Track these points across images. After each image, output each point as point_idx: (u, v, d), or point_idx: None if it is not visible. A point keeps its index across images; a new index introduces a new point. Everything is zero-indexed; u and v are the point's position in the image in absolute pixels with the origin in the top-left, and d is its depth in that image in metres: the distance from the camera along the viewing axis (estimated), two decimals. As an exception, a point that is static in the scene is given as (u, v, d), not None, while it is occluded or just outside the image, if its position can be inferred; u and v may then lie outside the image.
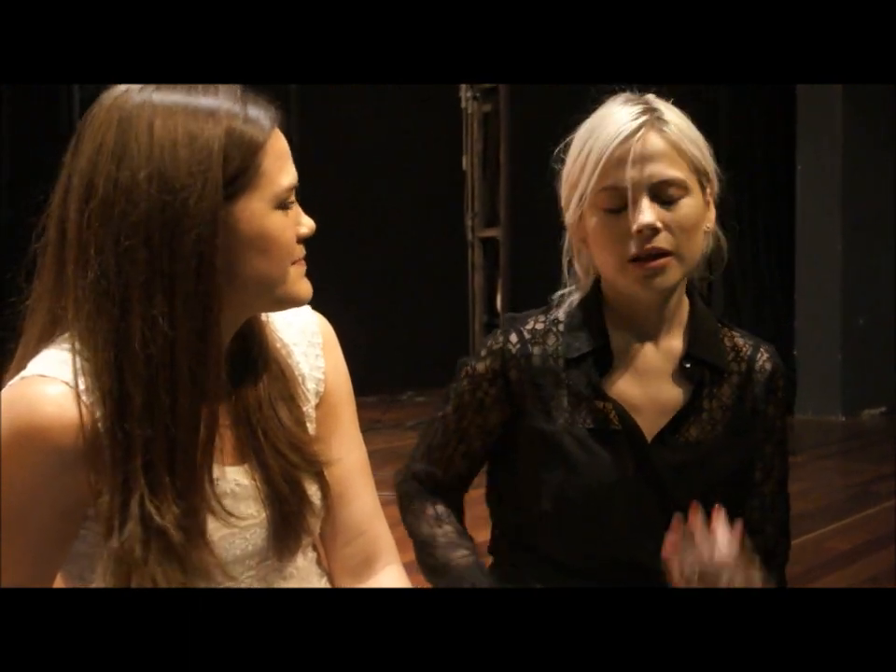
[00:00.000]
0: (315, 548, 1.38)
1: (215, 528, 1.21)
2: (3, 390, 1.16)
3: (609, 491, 1.52)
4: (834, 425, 6.52)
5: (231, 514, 1.21)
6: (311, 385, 1.34)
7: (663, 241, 1.46)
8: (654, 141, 1.47)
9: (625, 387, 1.54)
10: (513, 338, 1.57)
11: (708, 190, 1.52)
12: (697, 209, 1.49)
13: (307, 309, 1.38)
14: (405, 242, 7.09)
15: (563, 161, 1.55)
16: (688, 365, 1.54)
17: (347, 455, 1.38)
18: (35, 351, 1.20)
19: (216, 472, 1.21)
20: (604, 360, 1.54)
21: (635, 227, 1.45)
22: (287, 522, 1.26)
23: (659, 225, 1.45)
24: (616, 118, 1.48)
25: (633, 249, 1.46)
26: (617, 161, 1.46)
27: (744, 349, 1.59)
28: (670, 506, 1.48)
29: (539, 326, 1.58)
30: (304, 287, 1.25)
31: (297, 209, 1.23)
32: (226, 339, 1.22)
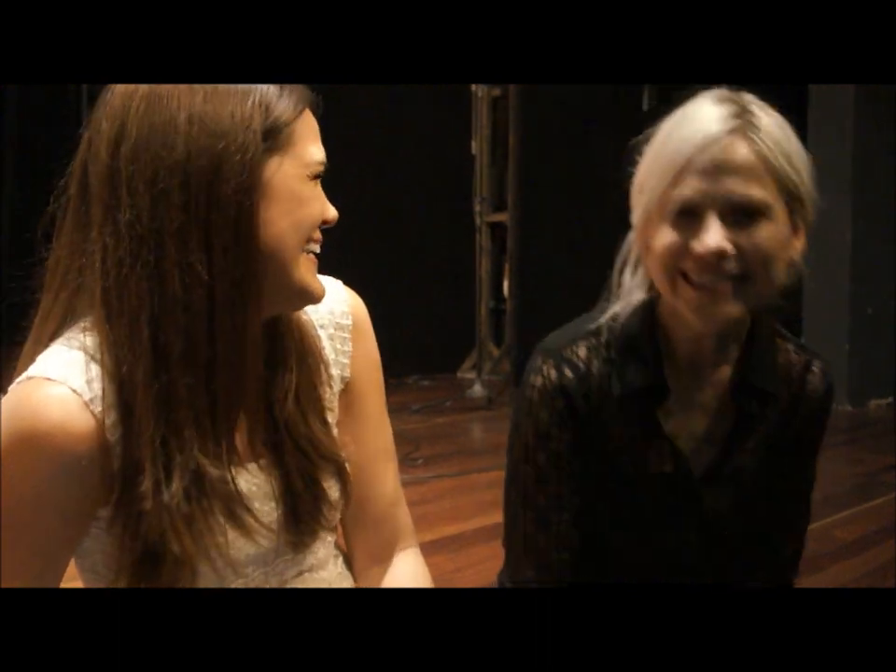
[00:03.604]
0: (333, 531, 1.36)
1: (228, 525, 1.18)
2: (9, 392, 1.12)
3: (654, 529, 1.44)
4: (841, 414, 6.50)
5: (245, 513, 1.17)
6: (335, 371, 1.31)
7: (729, 266, 1.28)
8: (740, 151, 1.28)
9: (677, 422, 1.41)
10: (568, 372, 1.40)
11: (798, 216, 1.35)
12: (779, 235, 1.31)
13: (339, 287, 1.34)
14: (413, 225, 7.07)
15: (635, 160, 1.40)
16: (741, 396, 1.41)
17: (371, 441, 1.35)
18: (50, 333, 1.16)
19: (231, 471, 1.17)
20: (658, 396, 1.39)
21: (697, 247, 1.28)
22: (302, 518, 1.24)
23: (729, 249, 1.28)
24: (701, 117, 1.30)
25: (692, 270, 1.29)
26: (693, 168, 1.28)
27: (796, 367, 1.46)
28: (713, 533, 1.44)
29: (583, 352, 1.41)
30: (317, 284, 1.20)
31: (322, 193, 1.20)
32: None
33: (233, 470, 1.17)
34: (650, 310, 1.41)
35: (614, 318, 1.42)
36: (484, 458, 4.68)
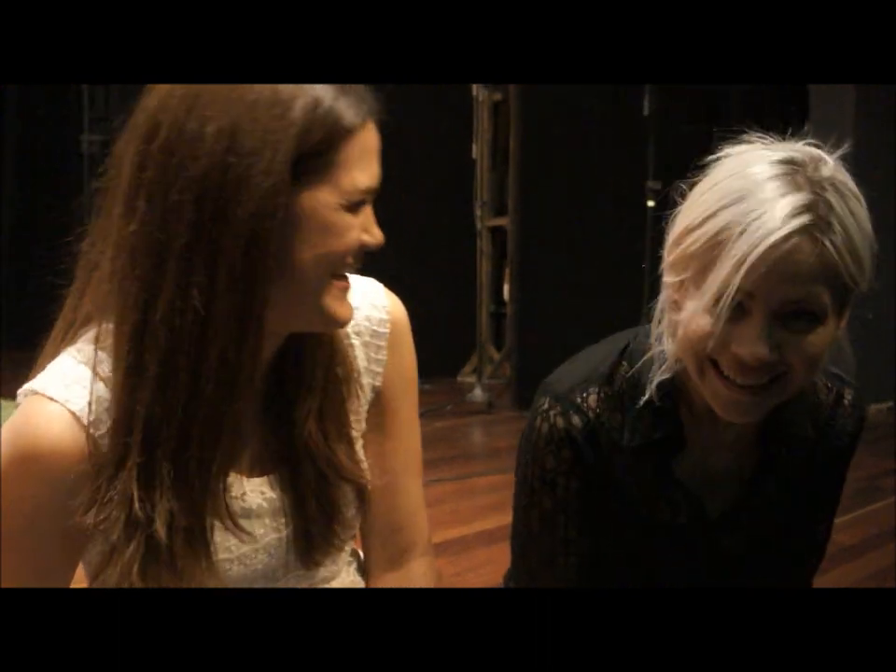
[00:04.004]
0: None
1: (235, 545, 1.16)
2: (17, 409, 1.10)
3: (666, 575, 1.39)
4: (840, 419, 6.51)
5: (244, 531, 1.14)
6: (366, 380, 1.26)
7: (771, 368, 1.18)
8: (806, 256, 1.15)
9: (692, 468, 1.33)
10: (576, 420, 1.31)
11: (849, 305, 1.26)
12: (828, 337, 1.21)
13: (379, 291, 1.27)
14: (413, 229, 7.07)
15: (678, 205, 1.25)
16: (768, 440, 1.33)
17: (399, 451, 1.31)
18: (69, 330, 1.14)
19: (238, 487, 1.14)
20: (674, 447, 1.31)
21: (742, 352, 1.16)
22: (313, 537, 1.20)
23: (771, 359, 1.16)
24: (770, 205, 1.15)
25: (727, 365, 1.18)
26: (752, 259, 1.13)
27: (825, 402, 1.37)
28: (725, 577, 1.40)
29: (593, 400, 1.32)
30: (343, 310, 1.12)
31: (369, 214, 1.12)
32: (266, 352, 1.10)
33: (236, 487, 1.14)
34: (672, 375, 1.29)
35: (630, 362, 1.32)
36: (485, 462, 4.68)
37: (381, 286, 1.31)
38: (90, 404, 1.08)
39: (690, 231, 1.19)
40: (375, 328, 1.26)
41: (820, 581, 3.37)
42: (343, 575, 1.33)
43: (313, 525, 1.19)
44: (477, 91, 6.69)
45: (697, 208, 1.20)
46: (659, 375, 1.28)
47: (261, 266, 1.03)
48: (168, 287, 1.03)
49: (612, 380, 1.31)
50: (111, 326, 1.09)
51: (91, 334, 1.13)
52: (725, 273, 1.13)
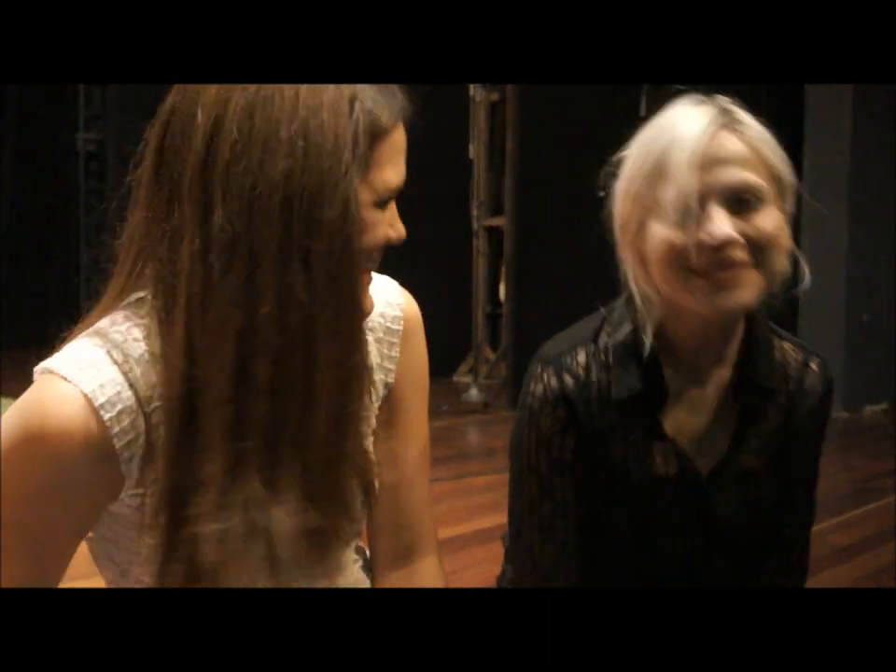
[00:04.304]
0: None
1: (246, 534, 1.16)
2: (33, 384, 1.11)
3: (662, 535, 1.43)
4: (836, 420, 6.53)
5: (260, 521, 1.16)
6: (378, 377, 1.26)
7: (738, 252, 1.29)
8: (731, 142, 1.32)
9: (678, 423, 1.40)
10: (568, 379, 1.40)
11: (786, 204, 1.37)
12: (777, 221, 1.33)
13: (394, 288, 1.29)
14: (409, 229, 7.07)
15: (615, 177, 1.39)
16: (739, 390, 1.41)
17: (409, 448, 1.31)
18: (112, 300, 1.14)
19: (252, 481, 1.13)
20: (658, 399, 1.39)
21: (703, 237, 1.29)
22: (319, 530, 1.20)
23: (735, 235, 1.29)
24: (685, 119, 1.34)
25: (701, 260, 1.29)
26: (687, 164, 1.29)
27: (793, 364, 1.46)
28: (719, 537, 1.44)
29: (582, 358, 1.41)
30: (368, 301, 1.14)
31: (394, 210, 1.15)
32: None
33: (272, 485, 1.14)
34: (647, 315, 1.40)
35: (611, 324, 1.42)
36: (481, 462, 4.69)
37: (395, 283, 1.32)
38: (101, 386, 1.09)
39: (632, 182, 1.34)
40: (389, 325, 1.27)
41: (819, 581, 3.39)
42: (348, 573, 1.32)
43: (320, 518, 1.19)
44: (474, 91, 6.71)
45: (631, 164, 1.35)
46: (633, 317, 1.40)
47: (353, 264, 1.06)
48: (269, 288, 1.03)
49: (597, 341, 1.40)
50: (177, 319, 1.07)
51: (120, 316, 1.13)
52: (677, 183, 1.29)
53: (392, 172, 1.11)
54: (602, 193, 1.40)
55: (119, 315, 1.13)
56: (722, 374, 1.41)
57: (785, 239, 1.34)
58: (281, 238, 1.03)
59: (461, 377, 7.31)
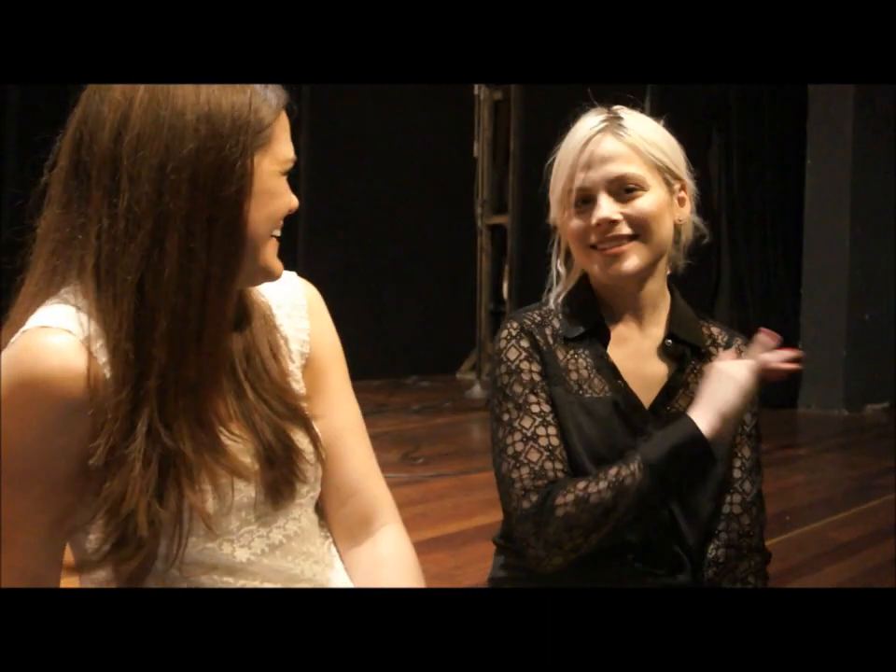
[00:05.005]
0: (318, 509, 1.40)
1: (212, 478, 1.23)
2: (8, 346, 1.18)
3: (615, 456, 1.59)
4: (837, 419, 6.54)
5: (232, 464, 1.24)
6: (295, 347, 1.38)
7: (621, 229, 1.62)
8: (610, 144, 1.64)
9: (623, 365, 1.67)
10: (527, 320, 1.69)
11: (677, 186, 1.67)
12: (657, 202, 1.64)
13: (292, 275, 1.42)
14: (414, 228, 7.10)
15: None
16: (669, 342, 1.68)
17: (337, 414, 1.40)
18: (37, 296, 1.22)
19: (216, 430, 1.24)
20: (601, 338, 1.68)
21: (593, 220, 1.63)
22: (278, 471, 1.28)
23: (616, 217, 1.62)
24: (580, 127, 1.66)
25: (593, 239, 1.64)
26: (580, 163, 1.64)
27: (720, 336, 1.75)
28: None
29: (537, 314, 1.71)
30: (278, 264, 1.30)
31: (287, 186, 1.29)
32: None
33: (218, 429, 1.25)
34: (584, 281, 1.72)
35: (557, 294, 1.74)
36: (483, 458, 4.66)
37: (294, 273, 1.45)
38: (81, 325, 1.18)
39: (554, 183, 1.69)
40: (294, 301, 1.40)
41: (816, 578, 3.42)
42: (319, 543, 1.37)
43: (275, 456, 1.29)
44: (478, 89, 6.72)
45: (555, 161, 1.69)
46: (565, 288, 1.73)
47: (243, 228, 1.22)
48: (173, 252, 1.18)
49: (547, 301, 1.73)
50: (92, 288, 1.20)
51: (65, 291, 1.22)
52: (564, 178, 1.65)
53: (287, 146, 1.27)
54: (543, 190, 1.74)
55: (63, 288, 1.22)
56: (656, 332, 1.70)
57: (668, 215, 1.66)
58: (187, 209, 1.18)
59: (464, 374, 7.33)
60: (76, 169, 1.22)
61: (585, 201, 1.64)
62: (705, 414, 1.55)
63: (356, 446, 1.42)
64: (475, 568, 3.09)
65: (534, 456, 1.60)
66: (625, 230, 1.62)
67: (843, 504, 4.37)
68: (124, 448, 1.17)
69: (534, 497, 1.57)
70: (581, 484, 1.56)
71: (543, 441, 1.61)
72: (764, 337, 1.58)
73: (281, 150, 1.25)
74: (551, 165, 1.70)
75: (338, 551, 1.42)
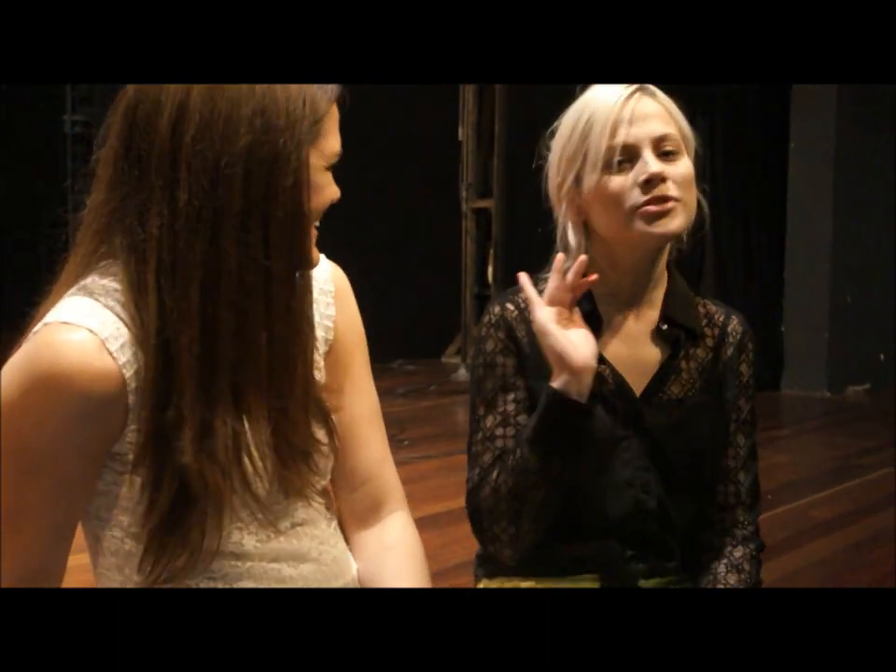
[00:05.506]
0: (325, 493, 1.40)
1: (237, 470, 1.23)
2: (28, 339, 1.17)
3: (606, 446, 1.58)
4: (820, 400, 6.59)
5: (250, 458, 1.24)
6: (320, 333, 1.36)
7: (668, 188, 1.54)
8: (649, 103, 1.57)
9: (612, 349, 1.62)
10: (510, 306, 1.62)
11: (691, 158, 1.61)
12: (691, 168, 1.58)
13: (322, 258, 1.39)
14: (399, 210, 7.10)
15: (549, 148, 1.62)
16: (664, 327, 1.62)
17: (356, 403, 1.41)
18: (79, 276, 1.21)
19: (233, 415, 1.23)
20: (593, 324, 1.57)
21: (644, 177, 1.53)
22: (291, 459, 1.28)
23: (665, 171, 1.54)
24: (606, 92, 1.58)
25: (642, 197, 1.53)
26: (623, 119, 1.55)
27: (717, 315, 1.69)
28: (660, 460, 1.59)
29: (522, 303, 1.61)
30: (317, 254, 1.29)
31: (331, 177, 1.28)
32: None
33: (245, 420, 1.24)
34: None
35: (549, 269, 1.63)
36: (468, 440, 4.72)
37: (322, 255, 1.42)
38: (102, 323, 1.17)
39: (564, 146, 1.59)
40: (322, 286, 1.39)
41: (797, 554, 3.46)
42: (325, 527, 1.37)
43: (289, 444, 1.28)
44: (463, 73, 6.72)
45: (562, 131, 1.61)
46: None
47: (304, 223, 1.22)
48: (230, 248, 1.17)
49: (537, 283, 1.58)
50: (148, 281, 1.18)
51: (96, 279, 1.21)
52: (601, 136, 1.54)
53: (335, 140, 1.26)
54: (540, 162, 1.64)
55: (94, 276, 1.21)
56: (651, 315, 1.64)
57: (695, 185, 1.59)
58: (242, 205, 1.17)
59: (449, 358, 7.35)
60: (127, 152, 1.20)
61: (626, 160, 1.55)
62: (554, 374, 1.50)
63: (371, 434, 1.43)
64: (460, 547, 3.12)
65: (487, 458, 1.58)
66: (672, 189, 1.54)
67: (824, 483, 4.43)
68: (177, 449, 1.17)
69: (486, 489, 1.57)
70: (493, 476, 1.55)
71: (499, 443, 1.58)
72: (557, 262, 1.52)
73: (329, 144, 1.24)
74: (551, 135, 1.62)
75: (344, 532, 1.43)
